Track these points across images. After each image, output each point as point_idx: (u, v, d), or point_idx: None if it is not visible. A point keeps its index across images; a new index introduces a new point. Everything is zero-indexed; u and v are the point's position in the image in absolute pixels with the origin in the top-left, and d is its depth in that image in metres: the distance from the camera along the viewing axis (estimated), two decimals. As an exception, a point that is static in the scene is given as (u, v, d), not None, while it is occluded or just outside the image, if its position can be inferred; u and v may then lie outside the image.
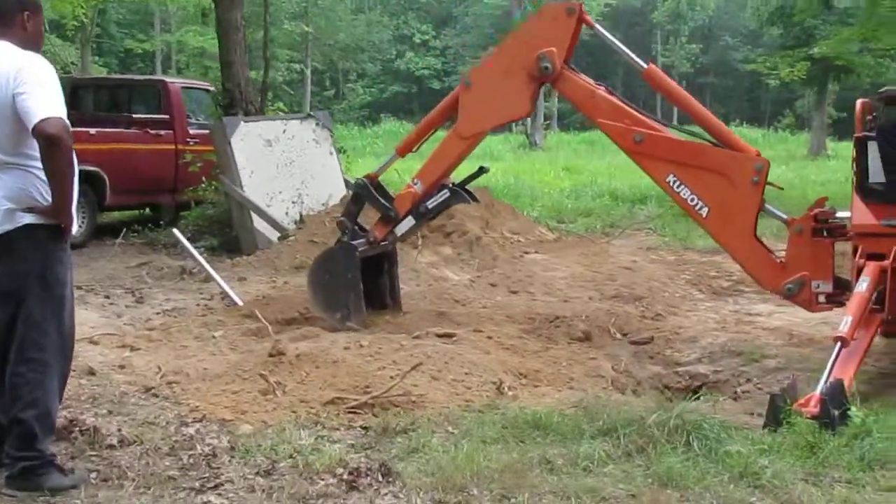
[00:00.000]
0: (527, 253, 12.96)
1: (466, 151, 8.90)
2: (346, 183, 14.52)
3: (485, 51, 67.02)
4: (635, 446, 5.72)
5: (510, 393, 7.08)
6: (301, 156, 13.92)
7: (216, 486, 5.27)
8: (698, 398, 7.03)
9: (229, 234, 13.59)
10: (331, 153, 14.49)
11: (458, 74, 69.03)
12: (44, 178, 5.05)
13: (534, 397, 7.07)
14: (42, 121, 4.84)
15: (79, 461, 5.52)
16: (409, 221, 8.94)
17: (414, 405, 6.60)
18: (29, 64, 5.03)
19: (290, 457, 5.61)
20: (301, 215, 13.18)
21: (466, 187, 9.28)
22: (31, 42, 5.24)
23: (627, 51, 8.77)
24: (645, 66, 8.48)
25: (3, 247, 5.06)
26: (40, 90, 4.95)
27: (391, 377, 6.94)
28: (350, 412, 6.48)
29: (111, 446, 5.76)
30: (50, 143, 4.86)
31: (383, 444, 5.92)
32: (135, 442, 5.83)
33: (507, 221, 13.99)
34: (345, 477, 5.32)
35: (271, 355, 7.29)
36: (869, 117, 7.98)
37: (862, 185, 7.74)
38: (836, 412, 6.09)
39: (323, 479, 5.30)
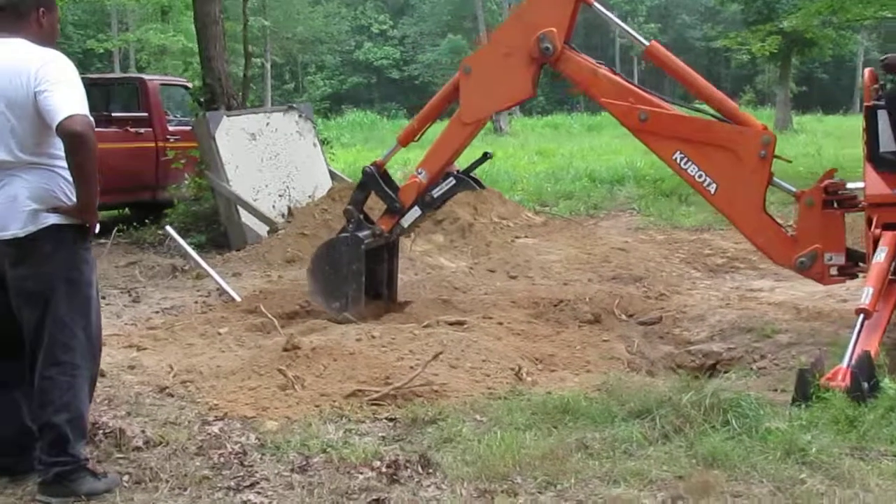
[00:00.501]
0: (518, 237, 12.91)
1: (469, 138, 8.81)
2: (332, 174, 14.43)
3: (443, 39, 67.19)
4: (672, 427, 5.65)
5: (529, 379, 7.01)
6: (285, 148, 13.77)
7: (252, 485, 5.17)
8: (727, 375, 6.96)
9: (216, 229, 13.43)
10: (314, 145, 14.36)
11: (417, 63, 69.04)
12: (67, 177, 4.93)
13: (553, 382, 7.01)
14: (67, 118, 4.72)
15: (106, 464, 5.40)
16: (414, 212, 8.83)
17: (436, 395, 6.51)
18: (50, 60, 4.90)
19: (323, 451, 5.53)
20: (289, 208, 13.03)
21: (472, 174, 9.15)
22: (46, 39, 5.12)
23: (628, 28, 8.73)
24: (647, 43, 8.41)
25: (28, 248, 4.93)
26: (63, 87, 4.83)
27: (410, 367, 6.87)
28: (373, 404, 6.40)
29: (137, 448, 5.66)
30: (76, 140, 4.74)
31: (414, 436, 5.84)
32: (160, 443, 5.73)
33: (495, 207, 13.92)
34: (383, 470, 5.23)
35: (286, 350, 7.17)
36: (875, 86, 7.92)
37: (873, 155, 7.67)
38: (867, 384, 6.05)
39: (362, 473, 5.21)
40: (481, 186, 9.61)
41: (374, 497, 4.92)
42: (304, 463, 5.39)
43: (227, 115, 13.28)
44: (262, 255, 11.93)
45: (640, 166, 21.88)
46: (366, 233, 8.75)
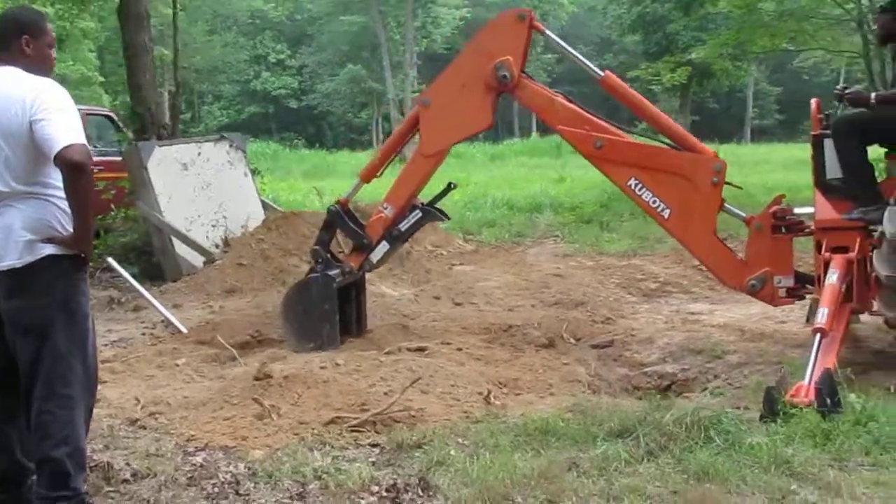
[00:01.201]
0: (454, 265, 13.02)
1: (432, 170, 8.91)
2: (263, 204, 14.36)
3: (342, 68, 67.10)
4: (657, 445, 5.80)
5: (497, 402, 7.11)
6: (217, 178, 13.65)
7: (254, 513, 5.18)
8: (690, 395, 7.14)
9: (147, 260, 13.26)
10: (245, 174, 14.28)
11: (315, 93, 68.82)
12: (62, 206, 4.87)
13: (521, 405, 7.11)
14: (65, 147, 4.61)
15: (98, 498, 5.34)
16: (383, 246, 8.88)
17: (415, 420, 6.58)
18: (46, 89, 4.81)
19: (318, 478, 5.55)
20: (225, 238, 12.95)
21: (437, 205, 9.22)
22: (35, 66, 4.97)
23: (582, 58, 8.90)
24: (601, 73, 8.61)
25: (24, 279, 4.84)
26: (61, 116, 4.74)
27: (385, 393, 6.93)
28: (353, 431, 6.43)
29: (125, 481, 5.63)
30: (75, 170, 4.65)
31: (403, 460, 5.88)
32: (148, 475, 5.70)
33: (428, 235, 14.01)
34: (384, 494, 5.29)
35: (258, 379, 7.16)
36: (821, 116, 8.22)
37: (821, 182, 7.98)
38: (830, 400, 6.28)
39: (363, 498, 5.26)
40: (447, 217, 9.69)
41: (382, 521, 4.98)
42: (301, 490, 5.41)
43: (160, 145, 13.15)
44: (200, 286, 11.84)
45: (554, 194, 22.17)
46: (336, 271, 8.76)
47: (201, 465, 5.86)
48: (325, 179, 30.07)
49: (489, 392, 7.21)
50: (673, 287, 12.04)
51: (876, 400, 6.31)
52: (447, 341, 8.63)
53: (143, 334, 9.98)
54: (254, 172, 14.75)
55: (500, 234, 16.95)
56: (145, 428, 6.70)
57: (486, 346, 8.70)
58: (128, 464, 5.82)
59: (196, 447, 6.24)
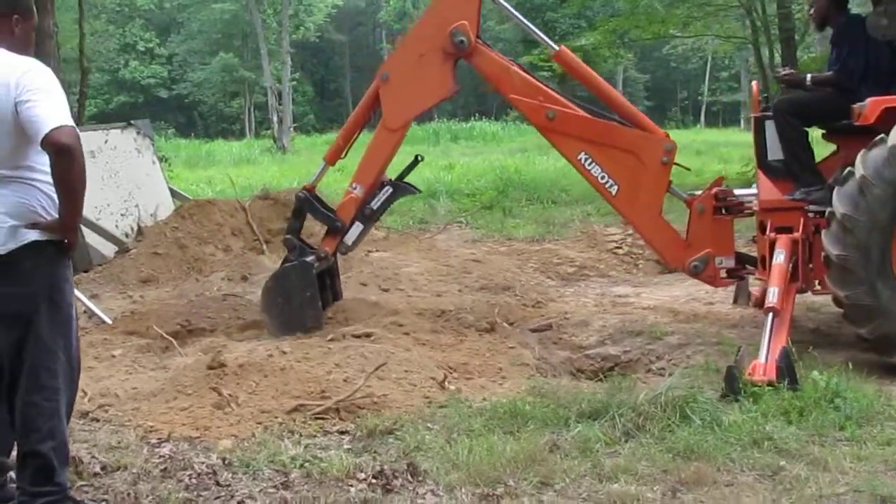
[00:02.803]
0: (370, 251, 12.90)
1: (398, 144, 8.81)
2: (172, 192, 14.04)
3: (214, 57, 65.94)
4: (634, 425, 5.83)
5: (452, 387, 7.07)
6: (125, 166, 13.25)
7: (240, 504, 5.06)
8: (636, 375, 7.18)
9: (56, 250, 12.83)
10: (153, 162, 13.90)
11: (186, 82, 67.59)
12: (47, 191, 4.69)
13: (476, 389, 7.09)
14: (54, 130, 4.44)
15: (73, 492, 5.14)
16: (356, 227, 8.78)
17: (378, 406, 6.50)
18: (30, 70, 4.62)
19: (300, 467, 5.46)
20: (139, 227, 12.64)
21: (405, 179, 9.12)
22: (18, 47, 4.81)
23: (537, 31, 8.92)
24: (556, 48, 8.62)
25: (7, 266, 4.64)
26: (48, 98, 4.55)
27: (343, 380, 6.84)
28: (317, 418, 6.33)
29: (97, 474, 5.46)
30: (64, 153, 4.48)
31: (378, 447, 5.83)
32: (118, 467, 5.55)
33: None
34: (372, 481, 5.21)
35: (212, 368, 6.99)
36: (761, 98, 8.36)
37: (763, 163, 8.12)
38: (789, 377, 6.41)
39: (351, 486, 5.18)
40: (418, 191, 9.61)
41: (380, 508, 4.91)
42: (285, 479, 5.31)
43: (66, 132, 12.69)
44: (115, 276, 11.54)
45: (448, 181, 22.15)
46: (312, 258, 8.64)
47: (170, 457, 5.72)
48: (209, 169, 29.59)
49: (445, 377, 7.16)
50: (590, 271, 12.15)
51: (837, 376, 6.42)
52: (390, 327, 8.53)
53: (68, 325, 9.65)
54: (161, 160, 14.38)
55: (403, 221, 16.85)
56: (98, 420, 6.52)
57: (429, 331, 8.62)
58: (94, 457, 5.66)
59: (159, 438, 6.09)
